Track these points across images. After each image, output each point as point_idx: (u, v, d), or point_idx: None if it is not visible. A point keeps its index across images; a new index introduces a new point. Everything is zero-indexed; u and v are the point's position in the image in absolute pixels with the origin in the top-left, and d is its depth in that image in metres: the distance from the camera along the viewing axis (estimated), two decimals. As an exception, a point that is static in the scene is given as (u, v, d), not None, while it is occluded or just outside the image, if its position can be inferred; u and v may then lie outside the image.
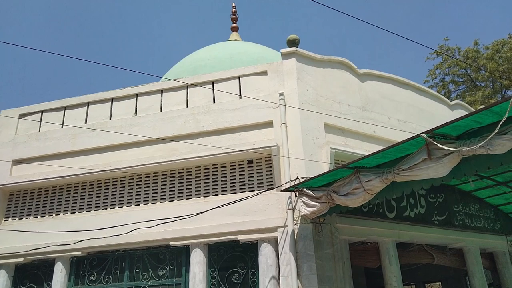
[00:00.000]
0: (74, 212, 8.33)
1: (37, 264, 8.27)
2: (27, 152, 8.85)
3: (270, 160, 7.52)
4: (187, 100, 8.44)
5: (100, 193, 8.32)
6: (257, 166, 7.67)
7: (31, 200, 8.70)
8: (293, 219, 6.83)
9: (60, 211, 8.43)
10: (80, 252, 7.87)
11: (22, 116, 9.30)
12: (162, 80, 8.98)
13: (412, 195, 8.33)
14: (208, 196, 7.68)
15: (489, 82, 22.11)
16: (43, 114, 9.24)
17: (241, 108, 7.93)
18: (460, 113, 10.76)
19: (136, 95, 8.80)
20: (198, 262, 7.22)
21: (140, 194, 8.07)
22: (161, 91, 8.68)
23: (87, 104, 9.05)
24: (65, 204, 8.45)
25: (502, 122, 4.05)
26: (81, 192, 8.45)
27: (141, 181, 8.15)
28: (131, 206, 8.04)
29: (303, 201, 6.45)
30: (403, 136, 7.14)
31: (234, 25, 15.66)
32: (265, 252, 6.96)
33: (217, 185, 7.72)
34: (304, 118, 7.58)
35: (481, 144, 4.37)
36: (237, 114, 7.91)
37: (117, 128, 8.40)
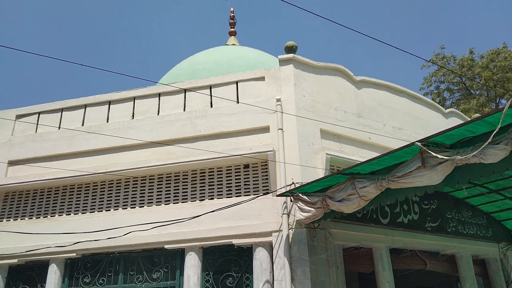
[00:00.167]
0: (70, 214, 8.33)
1: (31, 265, 8.24)
2: (23, 153, 8.85)
3: (266, 165, 7.58)
4: (184, 104, 8.49)
5: (96, 195, 8.33)
6: (253, 170, 7.72)
7: (26, 201, 8.69)
8: (288, 224, 6.88)
9: (55, 213, 8.43)
10: (74, 254, 7.86)
11: (19, 117, 9.31)
12: (159, 84, 9.03)
13: (406, 202, 8.41)
14: (204, 200, 7.72)
15: (483, 90, 22.32)
16: (40, 115, 9.26)
17: (238, 113, 7.99)
18: (454, 121, 10.88)
19: (134, 98, 8.84)
20: (192, 266, 7.25)
21: (136, 197, 8.09)
22: (159, 95, 8.73)
23: (85, 106, 9.08)
24: (60, 205, 8.45)
25: (495, 132, 4.14)
26: (77, 194, 8.45)
27: (137, 184, 8.17)
28: (126, 208, 8.05)
29: (298, 206, 6.49)
30: (398, 143, 7.25)
31: (232, 29, 15.80)
32: (260, 256, 7.00)
33: (213, 189, 7.76)
34: (301, 124, 7.65)
35: (474, 153, 4.45)
36: (234, 119, 7.97)
37: (114, 130, 8.42)
